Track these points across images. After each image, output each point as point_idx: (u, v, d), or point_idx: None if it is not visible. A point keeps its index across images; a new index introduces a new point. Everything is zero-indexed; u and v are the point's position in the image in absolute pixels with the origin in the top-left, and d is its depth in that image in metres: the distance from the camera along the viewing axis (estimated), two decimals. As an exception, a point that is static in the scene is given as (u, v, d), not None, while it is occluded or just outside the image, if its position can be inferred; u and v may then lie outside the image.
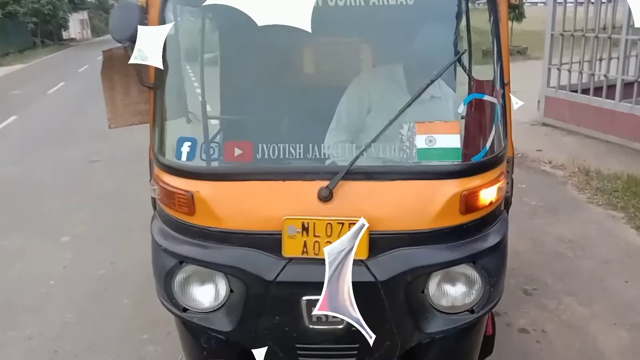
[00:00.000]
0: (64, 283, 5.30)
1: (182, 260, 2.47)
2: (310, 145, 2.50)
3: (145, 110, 3.05)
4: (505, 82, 2.67)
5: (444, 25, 2.79)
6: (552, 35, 10.35)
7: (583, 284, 5.09)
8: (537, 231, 6.20)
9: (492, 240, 2.48)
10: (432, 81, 2.45)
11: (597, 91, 9.67)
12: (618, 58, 9.39)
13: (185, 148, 2.50)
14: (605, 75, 9.61)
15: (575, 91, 10.15)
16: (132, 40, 2.50)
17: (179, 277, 2.50)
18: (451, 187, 2.37)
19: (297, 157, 2.48)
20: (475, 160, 2.42)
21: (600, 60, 10.02)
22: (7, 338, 4.41)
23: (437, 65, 2.56)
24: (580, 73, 10.12)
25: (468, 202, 2.37)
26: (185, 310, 2.55)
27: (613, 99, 9.24)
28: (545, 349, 4.15)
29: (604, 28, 9.99)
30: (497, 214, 2.60)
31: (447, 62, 2.60)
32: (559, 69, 10.54)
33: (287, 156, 2.48)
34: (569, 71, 10.32)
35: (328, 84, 3.06)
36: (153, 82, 2.70)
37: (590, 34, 9.98)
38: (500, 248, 2.49)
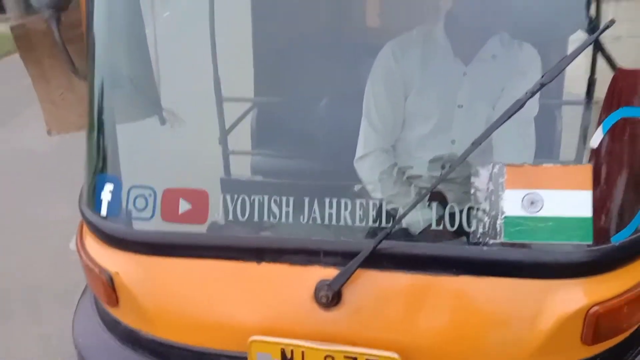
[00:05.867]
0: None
1: None
2: (309, 197, 1.40)
3: None
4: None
5: None
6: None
7: None
8: None
9: None
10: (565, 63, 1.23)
11: None
12: None
13: (106, 195, 1.50)
14: None
15: None
16: (56, 6, 1.61)
17: None
18: (570, 297, 1.23)
19: (286, 219, 1.41)
20: (619, 242, 1.24)
21: None
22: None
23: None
24: None
25: (600, 325, 1.23)
26: None
27: None
28: None
29: None
30: None
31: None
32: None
33: (268, 217, 1.42)
34: None
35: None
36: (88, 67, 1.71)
37: None
38: None
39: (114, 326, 1.56)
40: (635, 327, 1.34)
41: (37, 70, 2.02)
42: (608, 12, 2.03)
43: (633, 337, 1.36)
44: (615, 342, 1.31)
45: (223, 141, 2.66)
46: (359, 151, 1.72)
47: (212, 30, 2.59)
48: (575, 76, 2.46)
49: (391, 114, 1.71)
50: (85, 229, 1.59)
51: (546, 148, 2.37)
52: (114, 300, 1.47)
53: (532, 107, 1.60)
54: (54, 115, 2.11)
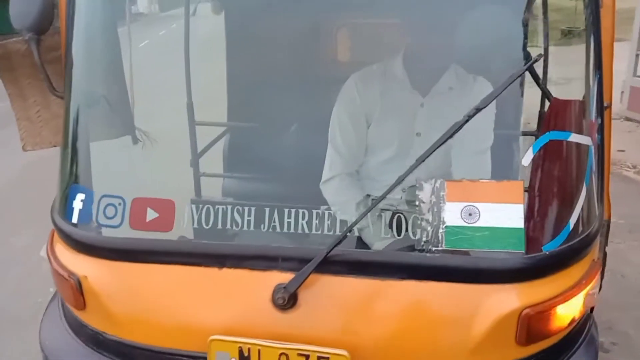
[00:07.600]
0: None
1: None
2: (269, 208, 1.51)
3: None
4: (606, 105, 1.61)
5: None
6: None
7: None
8: (617, 259, 4.87)
9: None
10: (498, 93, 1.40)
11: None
12: None
13: (77, 204, 1.58)
14: None
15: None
16: (36, 30, 1.70)
17: None
18: (503, 300, 1.34)
19: (248, 226, 1.51)
20: (549, 251, 1.37)
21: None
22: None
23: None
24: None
25: (532, 326, 1.35)
26: None
27: None
28: None
29: None
30: (581, 329, 1.56)
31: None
32: (650, 56, 8.98)
33: (232, 225, 1.52)
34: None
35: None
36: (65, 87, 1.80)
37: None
38: None
39: (79, 329, 1.62)
40: (567, 331, 1.46)
41: (15, 89, 2.11)
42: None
43: (566, 340, 1.48)
44: (549, 344, 1.42)
45: (194, 164, 2.76)
46: (325, 174, 1.83)
47: (187, 57, 2.71)
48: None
49: (355, 141, 1.83)
50: (56, 236, 1.67)
51: (505, 176, 2.52)
52: (82, 304, 1.54)
53: (487, 137, 1.74)
54: (29, 132, 2.19)
